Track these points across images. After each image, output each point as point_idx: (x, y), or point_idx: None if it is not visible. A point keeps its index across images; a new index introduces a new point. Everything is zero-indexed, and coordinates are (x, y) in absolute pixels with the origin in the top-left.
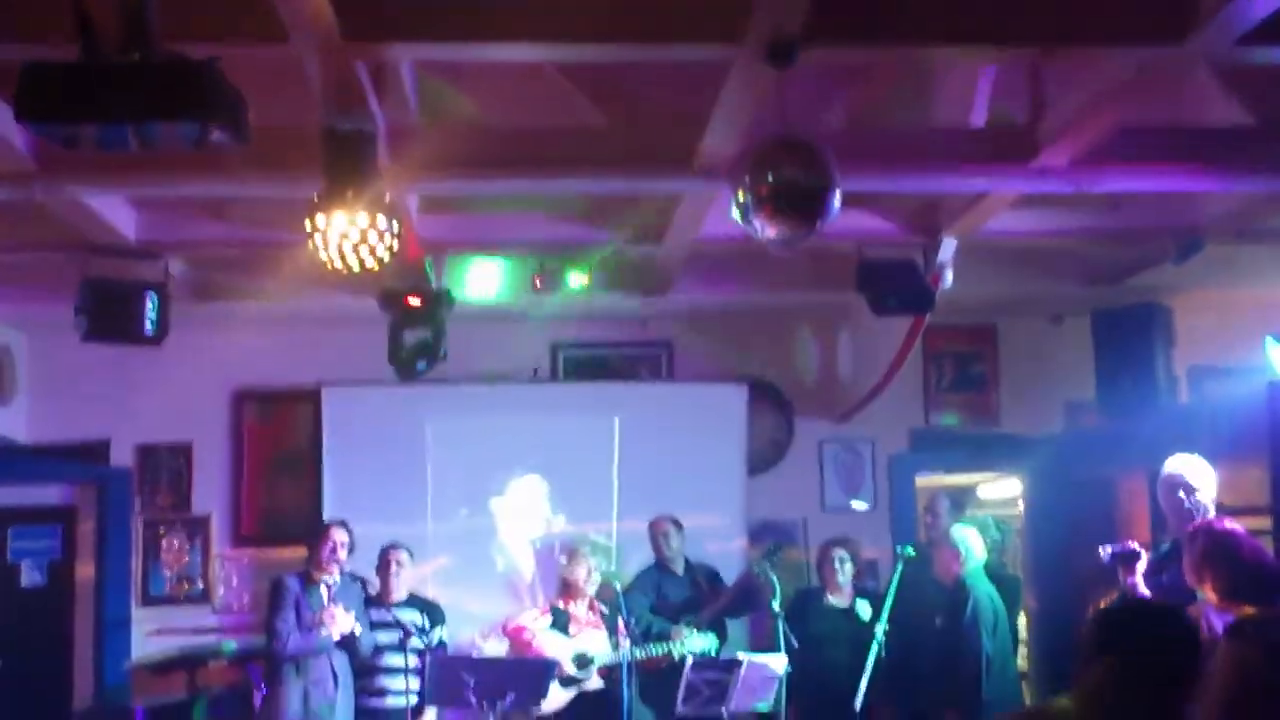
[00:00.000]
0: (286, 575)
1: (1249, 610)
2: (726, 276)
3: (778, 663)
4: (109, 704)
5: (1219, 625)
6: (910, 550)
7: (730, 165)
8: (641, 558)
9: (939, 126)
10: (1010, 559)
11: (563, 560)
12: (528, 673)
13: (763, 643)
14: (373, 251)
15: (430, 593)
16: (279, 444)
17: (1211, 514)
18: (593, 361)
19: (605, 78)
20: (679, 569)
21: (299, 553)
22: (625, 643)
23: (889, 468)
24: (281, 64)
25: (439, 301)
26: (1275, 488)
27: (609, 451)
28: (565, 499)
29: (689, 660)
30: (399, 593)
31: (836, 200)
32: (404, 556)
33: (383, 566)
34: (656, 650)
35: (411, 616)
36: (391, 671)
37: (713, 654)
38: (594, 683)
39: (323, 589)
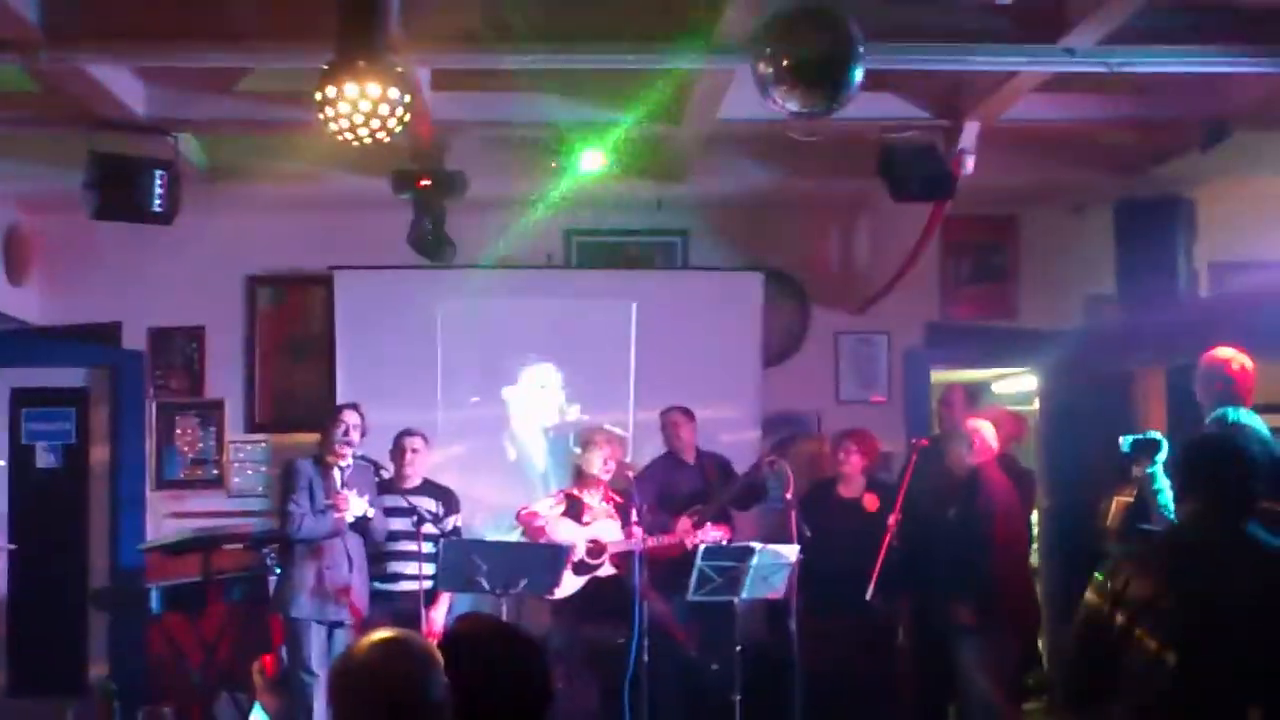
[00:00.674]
0: (299, 459)
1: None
2: (744, 163)
3: (790, 552)
4: (124, 585)
5: None
6: (925, 442)
7: (750, 36)
8: (654, 448)
9: (965, 2)
10: (1025, 453)
11: (577, 449)
12: (541, 558)
13: (775, 532)
14: (384, 124)
15: (442, 481)
16: (292, 329)
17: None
18: (607, 249)
19: None
20: (689, 459)
21: (312, 438)
22: (638, 531)
23: (904, 361)
24: None
25: (451, 184)
26: None
27: (624, 340)
28: (580, 388)
29: (701, 549)
30: (414, 479)
31: (859, 73)
32: (419, 443)
33: (398, 452)
34: (670, 539)
35: (426, 503)
36: (405, 557)
37: (724, 543)
38: (606, 570)
39: (335, 472)
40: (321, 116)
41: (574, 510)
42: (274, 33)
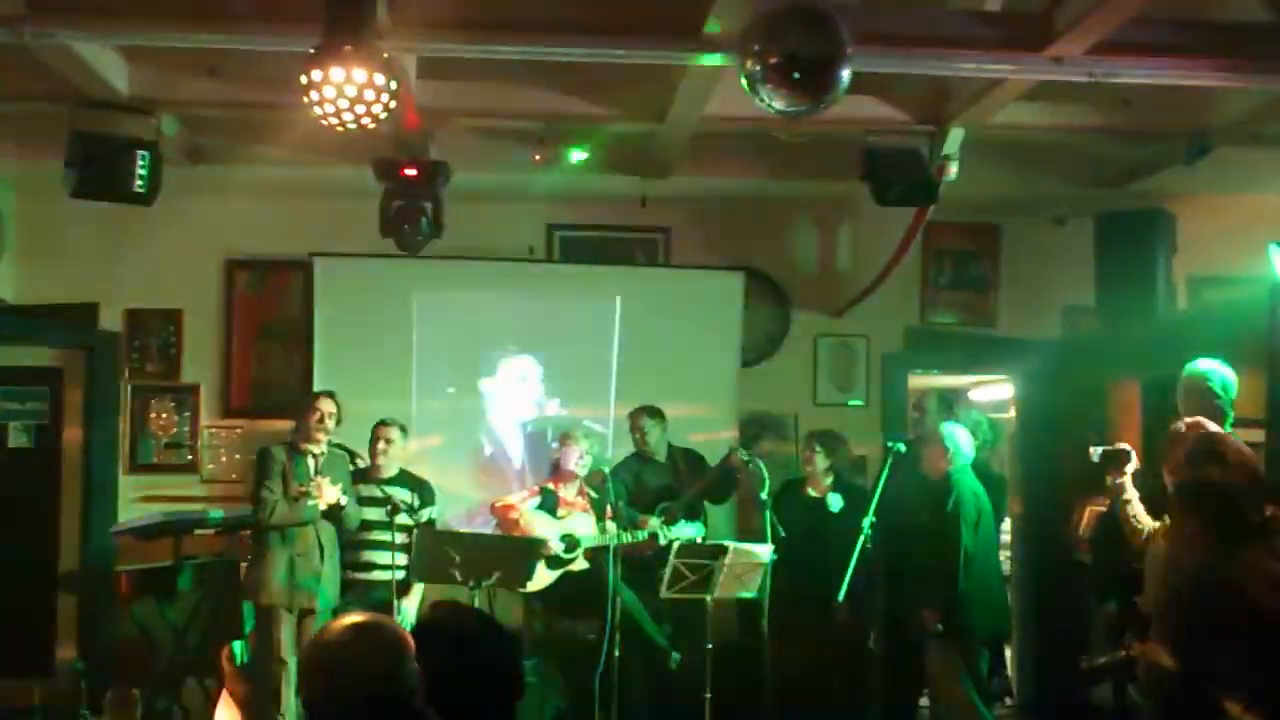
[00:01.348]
0: (273, 445)
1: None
2: (727, 162)
3: (763, 551)
4: (94, 567)
5: None
6: (900, 446)
7: (739, 34)
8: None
9: (953, 9)
10: (998, 460)
11: (554, 444)
12: (514, 551)
13: (750, 532)
14: (368, 110)
15: (416, 472)
16: (269, 315)
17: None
18: (588, 244)
19: None
20: (660, 457)
21: (287, 425)
22: (612, 527)
23: (882, 365)
24: None
25: (436, 173)
26: (1273, 399)
27: (608, 335)
28: (560, 382)
29: (674, 546)
30: (389, 469)
31: (847, 73)
32: (394, 433)
33: (374, 441)
34: (643, 535)
35: (401, 494)
36: (378, 546)
37: (698, 541)
38: (580, 564)
39: (309, 460)
40: (306, 101)
41: (549, 504)
42: (261, 14)
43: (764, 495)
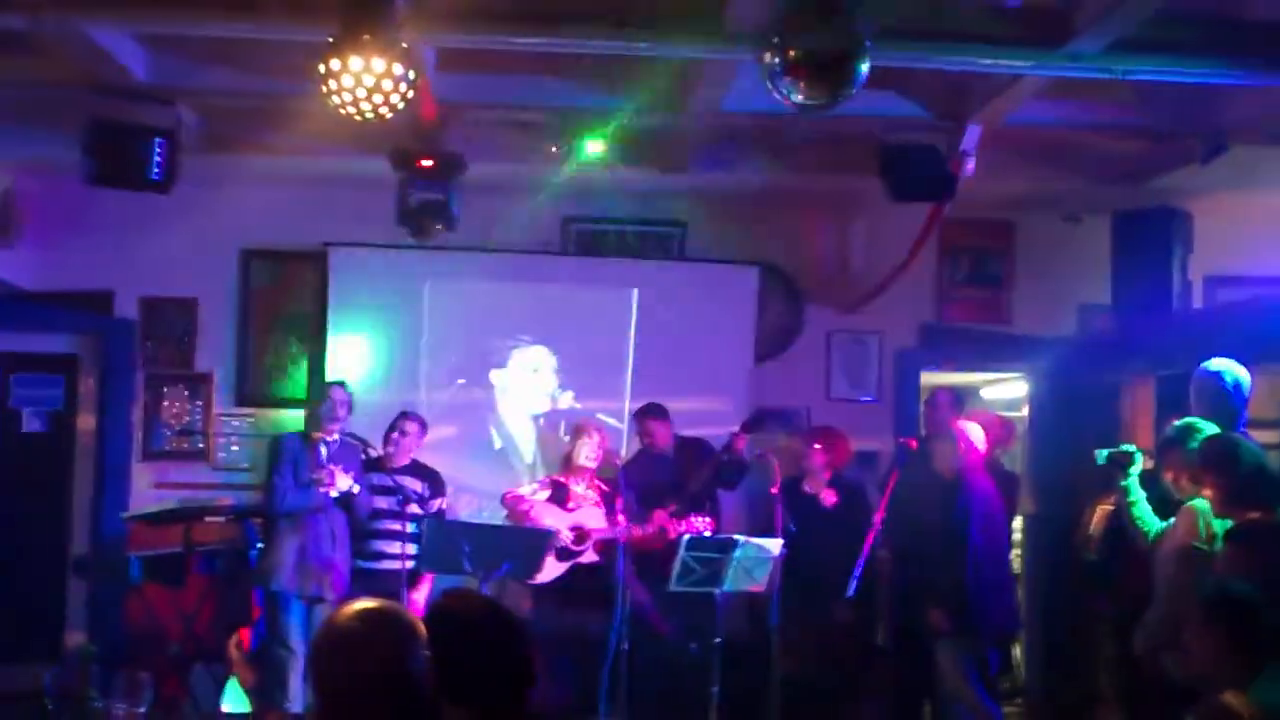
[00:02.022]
0: (286, 434)
1: (1252, 515)
2: (744, 157)
3: (773, 546)
4: (105, 553)
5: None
6: (912, 443)
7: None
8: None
9: (972, 4)
10: (1012, 459)
11: (567, 437)
12: (524, 542)
13: (760, 525)
14: (386, 99)
15: (425, 463)
16: (283, 304)
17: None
18: (604, 237)
19: None
20: (668, 454)
21: (300, 414)
22: (622, 519)
23: (896, 362)
24: None
25: (452, 164)
26: None
27: (623, 328)
28: (574, 375)
29: (685, 539)
30: (401, 459)
31: (865, 68)
32: (412, 426)
33: (392, 429)
34: (652, 529)
35: (412, 483)
36: (388, 536)
37: (707, 535)
38: (589, 557)
39: (321, 448)
40: (324, 90)
41: (559, 496)
42: (280, 3)
43: (774, 490)
